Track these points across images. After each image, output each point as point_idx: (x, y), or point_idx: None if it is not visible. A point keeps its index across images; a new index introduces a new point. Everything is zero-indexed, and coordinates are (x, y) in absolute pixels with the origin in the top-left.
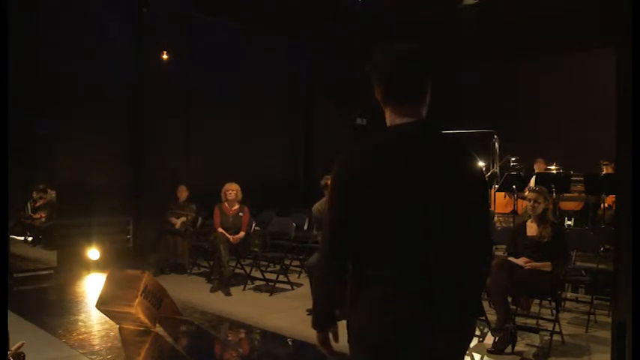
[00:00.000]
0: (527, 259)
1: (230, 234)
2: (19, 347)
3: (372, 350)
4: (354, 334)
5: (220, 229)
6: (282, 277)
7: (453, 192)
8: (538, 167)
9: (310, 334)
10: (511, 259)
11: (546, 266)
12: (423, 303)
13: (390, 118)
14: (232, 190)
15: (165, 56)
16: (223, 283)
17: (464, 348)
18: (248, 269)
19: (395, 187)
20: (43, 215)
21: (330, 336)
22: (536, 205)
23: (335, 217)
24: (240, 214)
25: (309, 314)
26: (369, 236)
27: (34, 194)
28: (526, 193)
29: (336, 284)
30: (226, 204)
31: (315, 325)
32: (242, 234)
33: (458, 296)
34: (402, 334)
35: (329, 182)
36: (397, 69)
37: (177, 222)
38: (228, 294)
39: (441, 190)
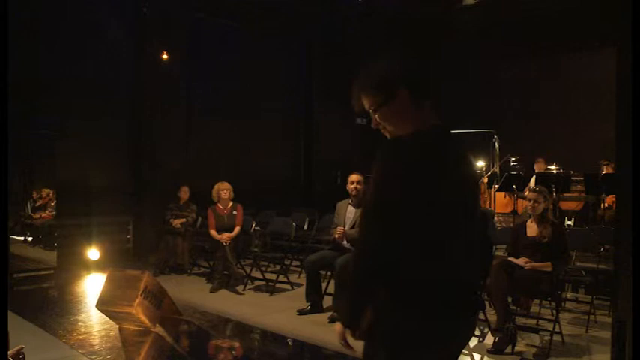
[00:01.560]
0: (527, 259)
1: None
2: (19, 350)
3: (388, 352)
4: (378, 336)
5: (213, 232)
6: (282, 277)
7: (468, 195)
8: (538, 167)
9: (310, 334)
10: (511, 259)
11: (546, 266)
12: (445, 306)
13: (415, 121)
14: (226, 190)
15: (165, 56)
16: (229, 282)
17: (464, 346)
18: (248, 269)
19: (435, 191)
20: (43, 215)
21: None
22: (536, 205)
23: (381, 218)
24: (234, 212)
25: (299, 314)
26: (406, 239)
27: (34, 194)
28: (526, 193)
29: (372, 284)
30: (220, 205)
31: (344, 321)
32: (237, 229)
33: (466, 297)
34: (421, 336)
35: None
36: (422, 67)
37: (177, 222)
38: (236, 293)
39: (462, 194)
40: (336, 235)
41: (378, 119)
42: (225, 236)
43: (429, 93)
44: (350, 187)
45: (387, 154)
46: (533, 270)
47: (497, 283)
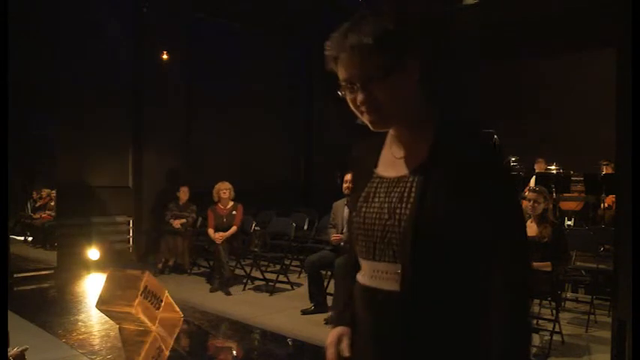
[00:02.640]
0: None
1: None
2: (23, 351)
3: None
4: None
5: (211, 230)
6: (282, 277)
7: None
8: (538, 167)
9: (310, 334)
10: None
11: (546, 266)
12: None
13: (419, 109)
14: (226, 190)
15: (165, 56)
16: (223, 283)
17: None
18: (248, 269)
19: None
20: (43, 215)
21: None
22: (536, 205)
23: None
24: (234, 212)
25: (303, 314)
26: None
27: (34, 194)
28: (526, 193)
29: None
30: (220, 204)
31: None
32: (234, 228)
33: None
34: None
35: None
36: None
37: (177, 223)
38: (228, 293)
39: None
40: (332, 240)
41: (375, 95)
42: (218, 236)
43: (438, 78)
44: (344, 185)
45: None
46: (534, 270)
47: None
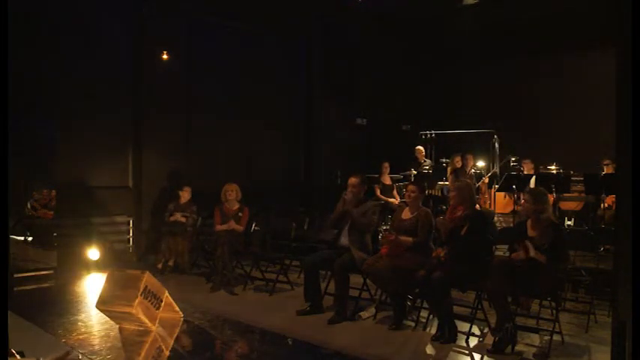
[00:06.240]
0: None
1: (229, 235)
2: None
3: None
4: None
5: (219, 226)
6: (282, 277)
7: None
8: (527, 168)
9: (310, 334)
10: (513, 255)
11: (541, 258)
12: None
13: None
14: (232, 191)
15: (165, 56)
16: (227, 283)
17: None
18: (248, 269)
19: None
20: (44, 215)
21: None
22: (530, 205)
23: None
24: (240, 214)
25: (298, 315)
26: None
27: (35, 194)
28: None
29: None
30: (227, 204)
31: None
32: (239, 227)
33: None
34: None
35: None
36: None
37: (178, 215)
38: (232, 293)
39: None
40: (346, 197)
41: None
42: (233, 224)
43: None
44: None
45: None
46: (534, 270)
47: (497, 283)
